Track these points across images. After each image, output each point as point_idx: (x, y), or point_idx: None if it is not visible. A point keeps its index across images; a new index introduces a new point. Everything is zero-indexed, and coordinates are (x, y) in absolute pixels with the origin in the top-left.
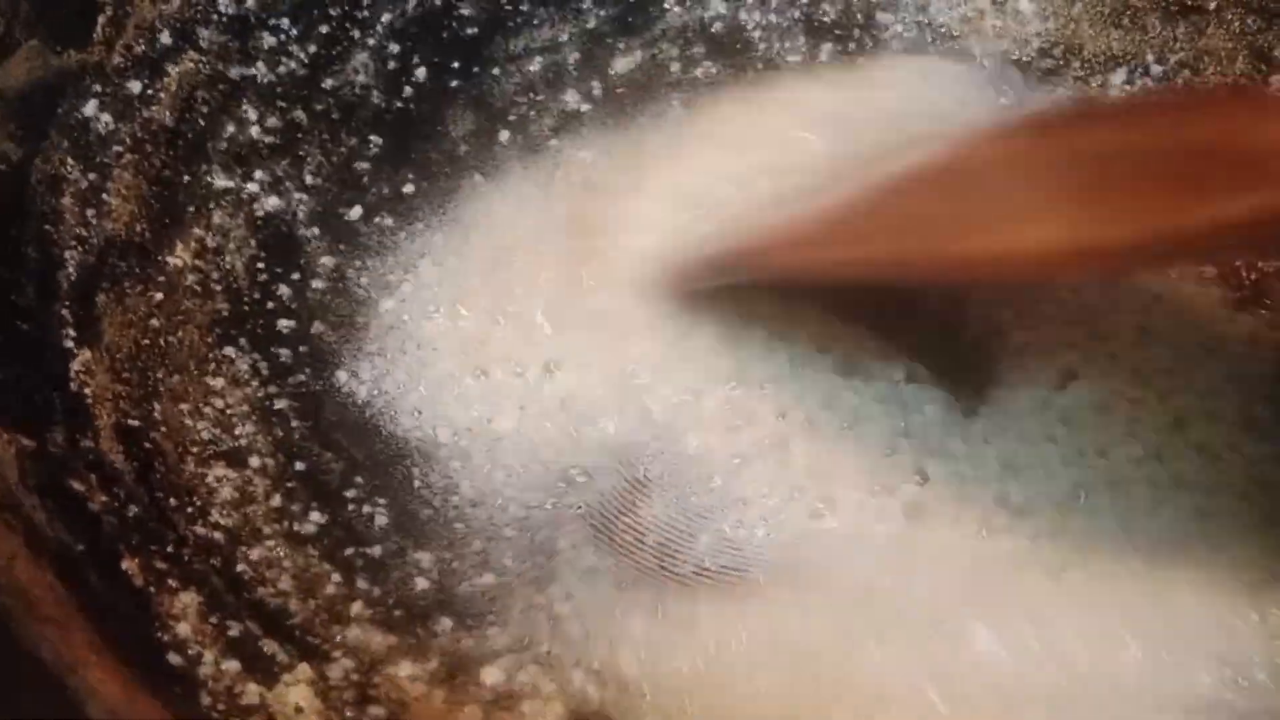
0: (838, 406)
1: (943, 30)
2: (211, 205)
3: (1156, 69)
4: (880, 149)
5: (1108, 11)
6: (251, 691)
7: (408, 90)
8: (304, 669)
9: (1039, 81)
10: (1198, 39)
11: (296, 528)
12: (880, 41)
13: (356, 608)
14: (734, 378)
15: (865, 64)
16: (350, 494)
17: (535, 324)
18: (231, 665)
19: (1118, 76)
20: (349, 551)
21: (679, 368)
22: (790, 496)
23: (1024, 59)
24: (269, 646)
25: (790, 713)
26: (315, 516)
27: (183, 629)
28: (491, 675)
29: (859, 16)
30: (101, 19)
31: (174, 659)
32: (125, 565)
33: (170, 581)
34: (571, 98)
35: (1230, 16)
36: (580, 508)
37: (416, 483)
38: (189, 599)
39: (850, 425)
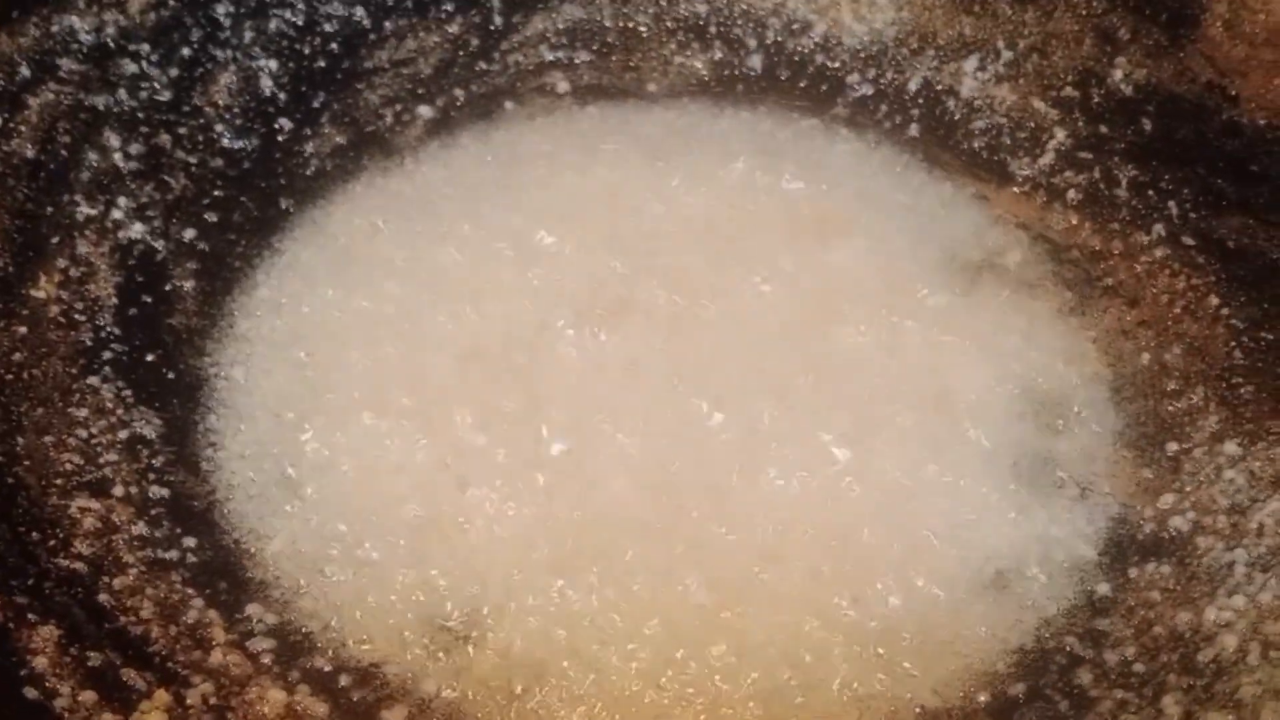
0: None
1: (798, 25)
2: (75, 235)
3: (1007, 54)
4: None
5: None
6: None
7: (272, 109)
8: (161, 696)
9: (895, 72)
10: (1046, 23)
11: (161, 555)
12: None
13: (218, 633)
14: None
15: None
16: (216, 519)
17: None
18: (88, 696)
19: (970, 63)
20: (214, 578)
21: None
22: None
23: (881, 48)
24: (128, 675)
25: None
26: (180, 543)
27: (40, 662)
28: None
29: (725, 11)
30: None
31: (30, 693)
32: None
33: (30, 615)
34: (435, 109)
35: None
36: None
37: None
38: (49, 632)
39: None
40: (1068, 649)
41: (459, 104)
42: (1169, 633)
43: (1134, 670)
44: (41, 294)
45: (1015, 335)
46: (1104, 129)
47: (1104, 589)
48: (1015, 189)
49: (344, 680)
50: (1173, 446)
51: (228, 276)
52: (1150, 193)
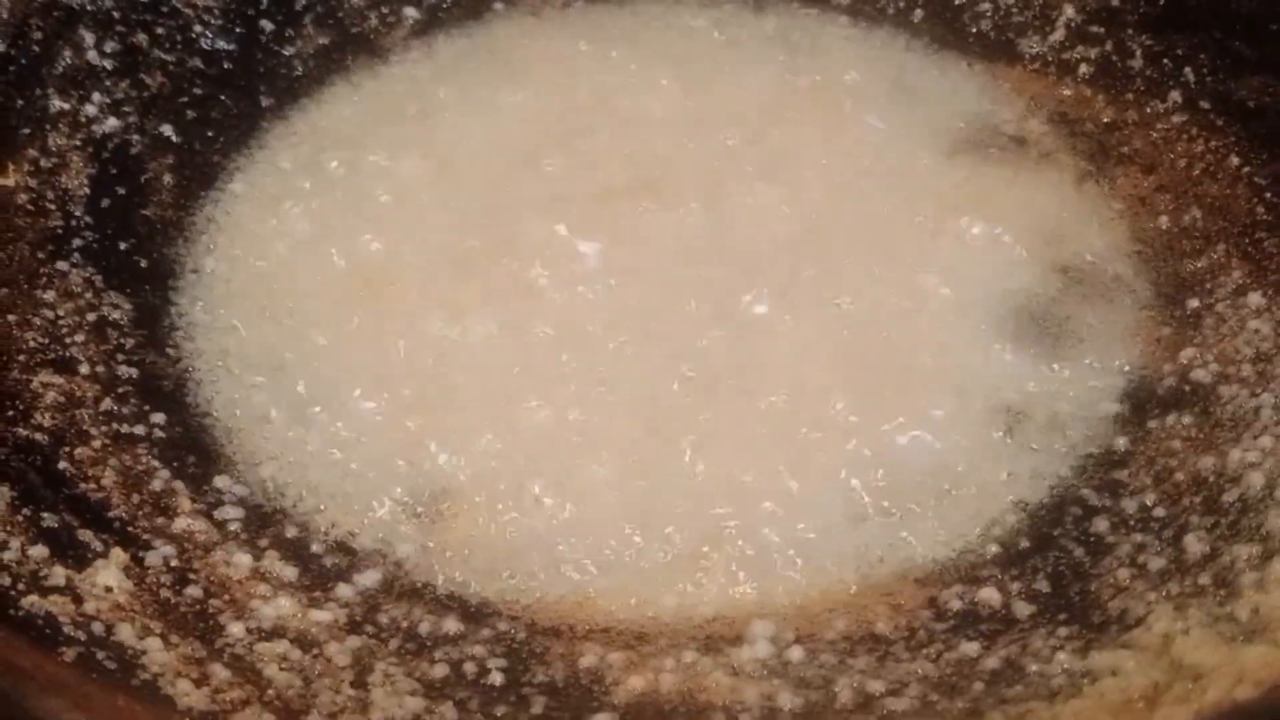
0: None
1: None
2: (47, 127)
3: None
4: None
5: None
6: (58, 574)
7: (253, 11)
8: (118, 555)
9: None
10: None
11: (127, 429)
12: None
13: (184, 502)
14: None
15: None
16: (187, 398)
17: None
18: (39, 551)
19: None
20: (182, 452)
21: None
22: None
23: None
24: (84, 536)
25: None
26: (148, 419)
27: None
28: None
29: None
30: None
31: None
32: None
33: None
34: (421, 9)
35: None
36: None
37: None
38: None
39: None
40: (1084, 500)
41: (446, 4)
42: (1191, 478)
43: (1154, 515)
44: (9, 182)
45: (1029, 203)
46: (1115, 2)
47: (1122, 443)
48: (1025, 67)
49: (315, 547)
50: (1193, 303)
51: (206, 171)
52: (1165, 61)
